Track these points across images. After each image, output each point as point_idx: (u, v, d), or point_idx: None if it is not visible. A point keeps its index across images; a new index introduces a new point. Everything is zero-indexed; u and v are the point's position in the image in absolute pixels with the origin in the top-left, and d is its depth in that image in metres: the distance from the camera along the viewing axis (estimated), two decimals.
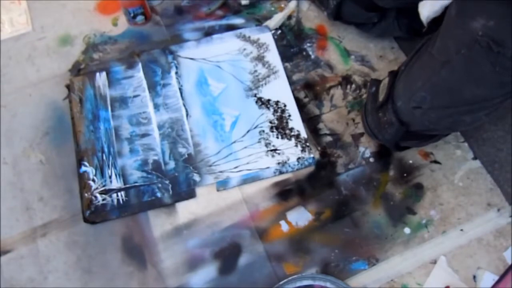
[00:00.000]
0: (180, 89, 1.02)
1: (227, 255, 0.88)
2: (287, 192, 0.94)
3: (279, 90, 1.02)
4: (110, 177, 0.94)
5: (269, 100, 1.01)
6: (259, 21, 1.13)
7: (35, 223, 0.92)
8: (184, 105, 1.01)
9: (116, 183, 0.94)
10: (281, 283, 0.83)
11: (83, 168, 0.95)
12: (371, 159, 0.97)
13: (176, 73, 1.04)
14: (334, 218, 0.91)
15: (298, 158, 0.95)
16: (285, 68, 1.06)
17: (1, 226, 0.92)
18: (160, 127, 0.99)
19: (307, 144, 0.96)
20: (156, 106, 1.01)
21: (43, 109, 1.04)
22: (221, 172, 0.94)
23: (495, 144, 0.96)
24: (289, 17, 1.14)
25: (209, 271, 0.87)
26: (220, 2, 1.15)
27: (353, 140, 0.99)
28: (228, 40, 1.08)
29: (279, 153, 0.96)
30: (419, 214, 0.91)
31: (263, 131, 0.98)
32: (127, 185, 0.93)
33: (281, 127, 0.98)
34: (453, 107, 0.76)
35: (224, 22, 1.14)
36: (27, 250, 0.90)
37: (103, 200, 0.92)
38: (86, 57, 1.10)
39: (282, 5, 1.16)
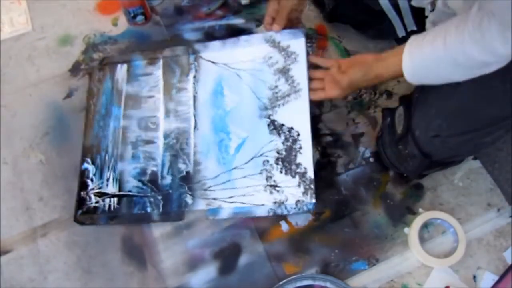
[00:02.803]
0: (194, 96, 0.96)
1: (227, 255, 0.88)
2: None
3: (297, 114, 0.90)
4: (107, 180, 0.93)
5: (282, 125, 0.90)
6: (259, 21, 1.13)
7: (35, 223, 0.92)
8: (195, 116, 0.95)
9: (111, 188, 0.92)
10: (281, 283, 0.83)
11: (85, 165, 0.94)
12: (371, 159, 0.97)
13: (194, 77, 0.98)
14: (334, 218, 0.91)
15: (297, 201, 0.85)
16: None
17: (1, 226, 0.92)
18: (166, 136, 0.94)
19: (311, 186, 0.85)
20: (167, 112, 0.96)
21: (43, 109, 1.04)
22: (214, 199, 0.88)
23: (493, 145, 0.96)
24: None
25: (209, 271, 0.87)
26: (220, 2, 1.15)
27: (353, 140, 0.99)
28: (255, 43, 0.97)
29: (278, 191, 0.87)
30: (419, 214, 0.91)
31: (268, 161, 0.89)
32: (121, 192, 0.91)
33: (287, 160, 0.88)
34: (472, 131, 0.73)
35: (224, 22, 1.14)
36: (27, 250, 0.90)
37: (96, 202, 0.91)
38: (86, 57, 1.10)
39: None
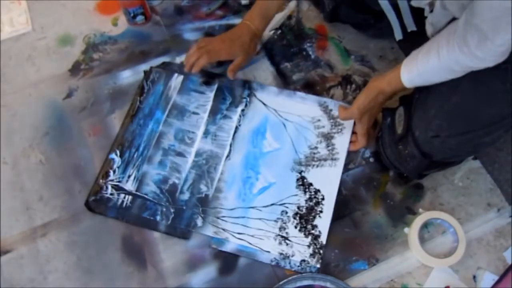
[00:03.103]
0: (236, 127, 0.98)
1: (227, 255, 0.88)
2: None
3: (327, 180, 0.92)
4: (129, 176, 0.94)
5: (311, 184, 0.92)
6: None
7: (35, 223, 0.92)
8: (231, 145, 0.96)
9: (130, 186, 0.93)
10: (281, 283, 0.83)
11: (113, 155, 0.95)
12: (371, 159, 0.97)
13: (242, 110, 1.00)
14: (334, 218, 0.91)
15: (302, 261, 0.85)
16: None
17: (1, 226, 0.92)
18: (197, 154, 0.95)
19: (320, 251, 0.86)
20: (206, 133, 0.98)
21: (43, 109, 1.04)
22: (223, 229, 0.88)
23: (493, 145, 0.96)
24: (289, 17, 1.14)
25: (209, 271, 0.87)
26: (220, 2, 1.15)
27: None
28: (309, 102, 1.00)
29: (287, 244, 0.87)
30: (419, 214, 0.91)
31: (286, 212, 0.90)
32: (138, 193, 0.92)
33: (305, 218, 0.89)
34: (472, 131, 0.74)
35: (224, 22, 1.14)
36: (27, 250, 0.90)
37: (111, 194, 0.92)
38: (86, 57, 1.10)
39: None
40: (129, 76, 1.07)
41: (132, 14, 1.10)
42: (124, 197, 0.92)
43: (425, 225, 0.90)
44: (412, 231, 0.87)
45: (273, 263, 0.86)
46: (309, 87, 1.05)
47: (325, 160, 0.94)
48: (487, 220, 0.91)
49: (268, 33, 1.11)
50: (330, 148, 0.95)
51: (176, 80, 1.04)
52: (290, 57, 1.09)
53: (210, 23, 1.14)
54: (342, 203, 0.92)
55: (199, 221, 0.89)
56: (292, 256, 0.86)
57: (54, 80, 1.07)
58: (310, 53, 1.09)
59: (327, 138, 0.96)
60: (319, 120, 0.99)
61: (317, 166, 0.94)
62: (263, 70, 1.08)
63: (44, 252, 0.90)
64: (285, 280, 0.83)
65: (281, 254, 0.86)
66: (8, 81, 1.08)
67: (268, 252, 0.86)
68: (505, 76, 0.66)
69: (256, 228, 0.89)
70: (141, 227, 0.90)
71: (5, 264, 0.89)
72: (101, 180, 0.93)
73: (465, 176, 0.95)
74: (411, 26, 0.90)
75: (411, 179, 0.94)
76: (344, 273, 0.86)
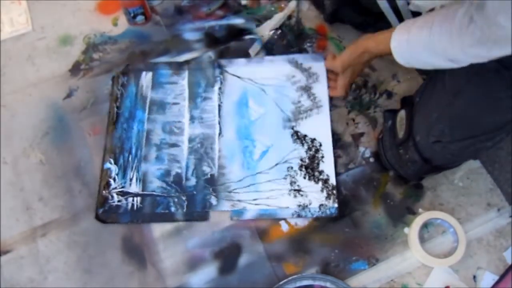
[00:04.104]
0: (219, 105, 1.00)
1: (227, 255, 0.88)
2: None
3: (319, 127, 0.97)
4: (130, 179, 0.94)
5: (305, 136, 0.96)
6: (259, 21, 1.13)
7: (35, 223, 0.92)
8: (219, 123, 0.98)
9: (134, 188, 0.93)
10: (281, 283, 0.83)
11: (107, 165, 0.95)
12: (371, 159, 0.97)
13: (220, 88, 1.02)
14: (334, 218, 0.91)
15: (321, 205, 0.90)
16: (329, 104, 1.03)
17: (1, 226, 0.92)
18: (190, 140, 0.97)
19: (334, 192, 0.90)
20: (192, 118, 0.99)
21: (43, 109, 1.04)
22: (239, 201, 0.91)
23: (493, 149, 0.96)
24: (289, 17, 1.14)
25: (209, 271, 0.87)
26: (220, 2, 1.15)
27: (353, 140, 0.99)
28: (279, 63, 1.04)
29: (302, 195, 0.91)
30: (419, 214, 0.91)
31: (292, 167, 0.93)
32: (145, 192, 0.93)
33: (311, 167, 0.93)
34: (474, 137, 0.73)
35: (224, 22, 1.14)
36: (27, 250, 0.90)
37: (118, 201, 0.92)
38: (86, 57, 1.10)
39: (282, 5, 1.16)
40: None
41: (132, 14, 1.10)
42: (133, 200, 0.92)
43: (425, 225, 0.90)
44: (412, 231, 0.87)
45: (295, 216, 0.89)
46: None
47: (310, 110, 0.98)
48: (487, 220, 0.91)
49: (268, 33, 1.11)
50: (312, 98, 1.00)
51: (146, 77, 1.04)
52: None
53: (210, 23, 1.14)
54: (342, 203, 0.92)
55: (213, 200, 0.91)
56: (310, 204, 0.90)
57: (54, 80, 1.07)
58: (310, 53, 1.09)
59: (306, 89, 1.01)
60: (293, 76, 1.02)
61: (306, 117, 0.98)
62: None
63: (44, 252, 0.90)
64: (285, 280, 0.83)
65: (299, 206, 0.90)
66: (8, 81, 1.08)
67: (287, 207, 0.90)
68: (510, 82, 0.66)
69: (269, 190, 0.92)
70: (159, 222, 0.91)
71: (5, 264, 0.89)
72: (104, 191, 0.93)
73: (465, 176, 0.95)
74: None
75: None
76: (344, 273, 0.86)
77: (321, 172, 0.92)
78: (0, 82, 1.07)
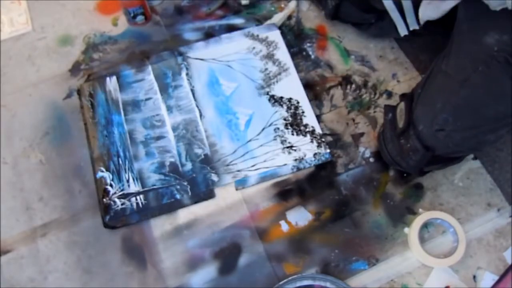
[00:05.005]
0: (192, 90, 1.03)
1: (227, 255, 0.88)
2: (287, 192, 0.94)
3: (291, 87, 1.03)
4: (127, 181, 0.94)
5: (281, 97, 1.02)
6: (259, 21, 1.13)
7: (35, 223, 0.92)
8: (197, 106, 1.01)
9: (134, 187, 0.93)
10: (281, 283, 0.83)
11: (100, 174, 0.95)
12: (371, 159, 0.97)
13: (187, 74, 1.04)
14: (334, 218, 0.91)
15: (315, 154, 0.95)
16: (296, 65, 1.06)
17: (1, 226, 0.92)
18: (174, 129, 0.99)
19: (322, 139, 0.97)
20: (169, 108, 1.01)
21: (43, 109, 1.04)
22: (238, 171, 0.94)
23: (495, 144, 0.96)
24: (289, 17, 1.14)
25: (209, 271, 0.87)
26: (220, 2, 1.15)
27: (353, 140, 0.99)
28: (237, 39, 1.09)
29: (295, 150, 0.96)
30: (419, 214, 0.91)
31: (278, 128, 0.98)
32: (146, 188, 0.93)
33: (295, 123, 0.99)
34: (477, 126, 0.74)
35: (224, 22, 1.14)
36: (27, 250, 0.90)
37: (122, 204, 0.92)
38: (86, 57, 1.10)
39: (282, 5, 1.16)
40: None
41: (132, 14, 1.10)
42: (136, 199, 0.92)
43: (425, 225, 0.90)
44: (412, 231, 0.87)
45: (294, 170, 0.95)
46: (309, 87, 1.05)
47: (279, 74, 1.05)
48: (487, 220, 0.91)
49: None
50: (277, 63, 1.06)
51: (112, 82, 1.04)
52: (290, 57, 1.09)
53: (210, 23, 1.14)
54: (342, 203, 0.92)
55: (214, 177, 0.94)
56: (305, 156, 0.96)
57: (54, 80, 1.07)
58: (310, 53, 1.09)
59: (269, 57, 1.07)
60: (254, 48, 1.08)
61: (277, 81, 1.04)
62: None
63: (44, 252, 0.90)
64: (285, 280, 0.83)
65: (295, 160, 0.95)
66: (8, 81, 1.08)
67: (285, 164, 0.95)
68: None
69: (263, 153, 0.96)
70: (168, 212, 0.91)
71: (5, 264, 0.89)
72: (104, 200, 0.93)
73: (465, 176, 0.95)
74: (413, 25, 0.90)
75: (411, 178, 0.94)
76: (344, 273, 0.86)
77: (306, 126, 0.98)
78: (0, 82, 1.07)
